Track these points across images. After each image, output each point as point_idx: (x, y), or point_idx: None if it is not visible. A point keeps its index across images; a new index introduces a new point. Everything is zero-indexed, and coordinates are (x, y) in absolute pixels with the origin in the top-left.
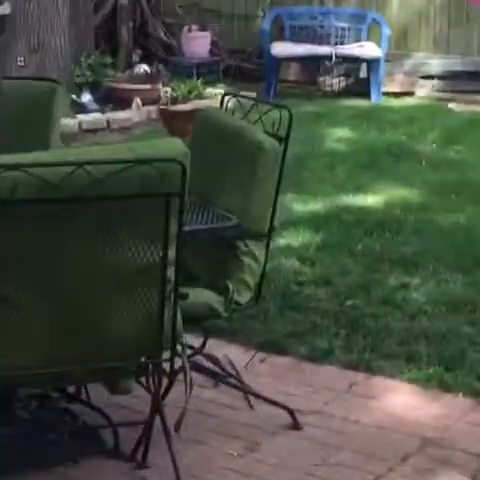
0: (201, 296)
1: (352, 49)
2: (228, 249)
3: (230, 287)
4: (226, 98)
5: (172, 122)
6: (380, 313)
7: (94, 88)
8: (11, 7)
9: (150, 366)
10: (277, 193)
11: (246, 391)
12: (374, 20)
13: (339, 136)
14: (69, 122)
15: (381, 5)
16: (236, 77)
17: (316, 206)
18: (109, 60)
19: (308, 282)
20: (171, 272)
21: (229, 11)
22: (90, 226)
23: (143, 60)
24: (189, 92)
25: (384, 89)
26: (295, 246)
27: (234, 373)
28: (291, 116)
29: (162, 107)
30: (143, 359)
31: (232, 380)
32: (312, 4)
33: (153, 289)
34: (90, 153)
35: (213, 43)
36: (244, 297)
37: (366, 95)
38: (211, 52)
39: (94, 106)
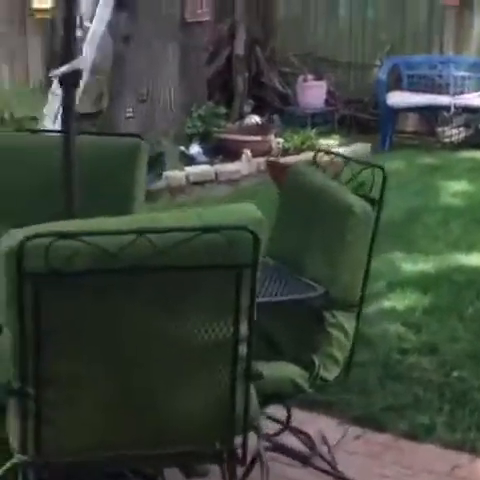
0: (284, 370)
1: (472, 99)
2: (314, 320)
3: (316, 362)
4: (319, 155)
5: (280, 175)
6: None
7: (204, 139)
8: (111, 59)
9: (224, 452)
10: (369, 260)
11: (335, 475)
12: None
13: (455, 190)
14: (177, 174)
15: None
16: (352, 128)
17: (426, 266)
18: (223, 110)
19: (412, 349)
20: (243, 349)
21: (345, 60)
22: (152, 299)
23: (257, 110)
24: (302, 143)
25: None
26: (400, 309)
27: (326, 450)
28: (385, 177)
29: (270, 159)
30: (216, 444)
31: (321, 462)
32: (431, 53)
33: (223, 367)
34: (154, 220)
35: (329, 93)
36: (332, 373)
37: None
38: (327, 102)
39: (203, 158)
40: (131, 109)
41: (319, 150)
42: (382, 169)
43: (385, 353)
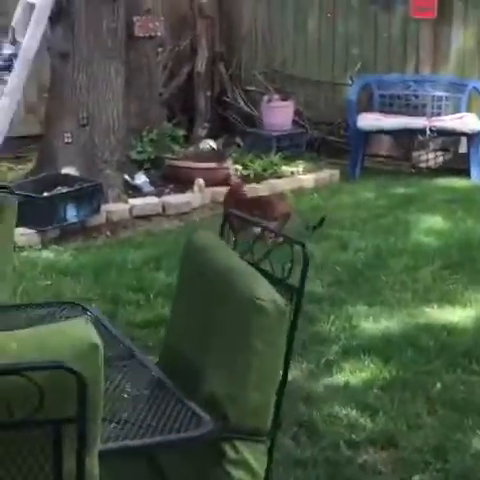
0: None
1: (450, 121)
2: (210, 456)
3: None
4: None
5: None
6: None
7: (155, 166)
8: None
9: None
10: (286, 370)
11: None
12: (475, 88)
13: (429, 226)
14: (118, 207)
15: None
16: (321, 152)
17: (389, 324)
18: (180, 133)
19: (365, 442)
20: None
21: (314, 78)
22: None
23: (221, 132)
24: (264, 170)
25: None
26: (354, 385)
27: None
28: (306, 257)
29: (233, 184)
30: None
31: None
32: (405, 71)
33: None
34: None
35: (297, 113)
36: None
37: (466, 173)
38: (294, 123)
39: (149, 188)
40: (70, 134)
41: (229, 213)
42: (303, 246)
43: (332, 447)
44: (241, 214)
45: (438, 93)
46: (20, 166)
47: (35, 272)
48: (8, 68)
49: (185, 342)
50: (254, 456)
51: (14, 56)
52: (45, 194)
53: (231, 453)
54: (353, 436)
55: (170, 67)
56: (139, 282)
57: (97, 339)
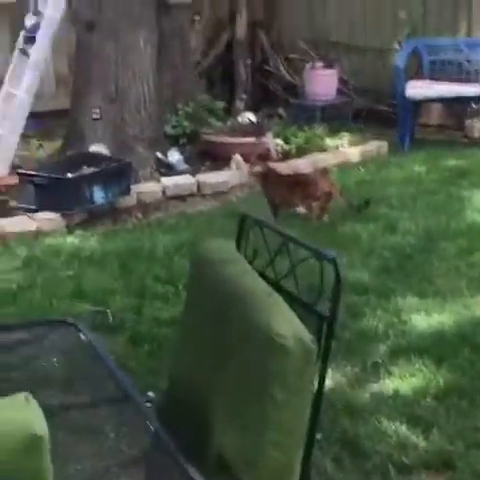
0: None
1: None
2: None
3: None
4: (247, 222)
5: (274, 188)
6: None
7: (192, 142)
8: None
9: None
10: (315, 421)
11: None
12: None
13: None
14: (150, 188)
15: None
16: (368, 122)
17: (442, 318)
18: (220, 105)
19: (417, 465)
20: None
21: (360, 44)
22: None
23: (263, 103)
24: (306, 143)
25: None
26: (405, 393)
27: None
28: (338, 276)
29: (256, 168)
30: None
31: None
32: (457, 34)
33: None
34: None
35: (341, 82)
36: None
37: None
38: (339, 92)
39: (183, 166)
40: (98, 110)
41: (245, 216)
42: (334, 261)
43: (380, 471)
44: (258, 219)
45: None
46: (50, 143)
47: (57, 261)
48: (32, 40)
49: (191, 378)
50: None
51: (37, 27)
52: (69, 175)
53: None
54: (403, 458)
55: (209, 35)
56: (169, 271)
57: (41, 427)
